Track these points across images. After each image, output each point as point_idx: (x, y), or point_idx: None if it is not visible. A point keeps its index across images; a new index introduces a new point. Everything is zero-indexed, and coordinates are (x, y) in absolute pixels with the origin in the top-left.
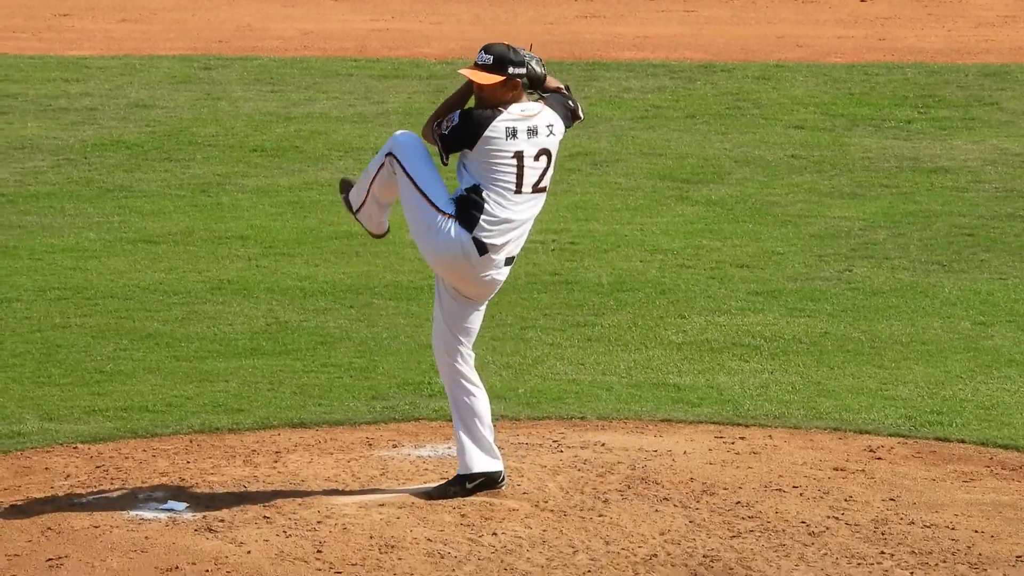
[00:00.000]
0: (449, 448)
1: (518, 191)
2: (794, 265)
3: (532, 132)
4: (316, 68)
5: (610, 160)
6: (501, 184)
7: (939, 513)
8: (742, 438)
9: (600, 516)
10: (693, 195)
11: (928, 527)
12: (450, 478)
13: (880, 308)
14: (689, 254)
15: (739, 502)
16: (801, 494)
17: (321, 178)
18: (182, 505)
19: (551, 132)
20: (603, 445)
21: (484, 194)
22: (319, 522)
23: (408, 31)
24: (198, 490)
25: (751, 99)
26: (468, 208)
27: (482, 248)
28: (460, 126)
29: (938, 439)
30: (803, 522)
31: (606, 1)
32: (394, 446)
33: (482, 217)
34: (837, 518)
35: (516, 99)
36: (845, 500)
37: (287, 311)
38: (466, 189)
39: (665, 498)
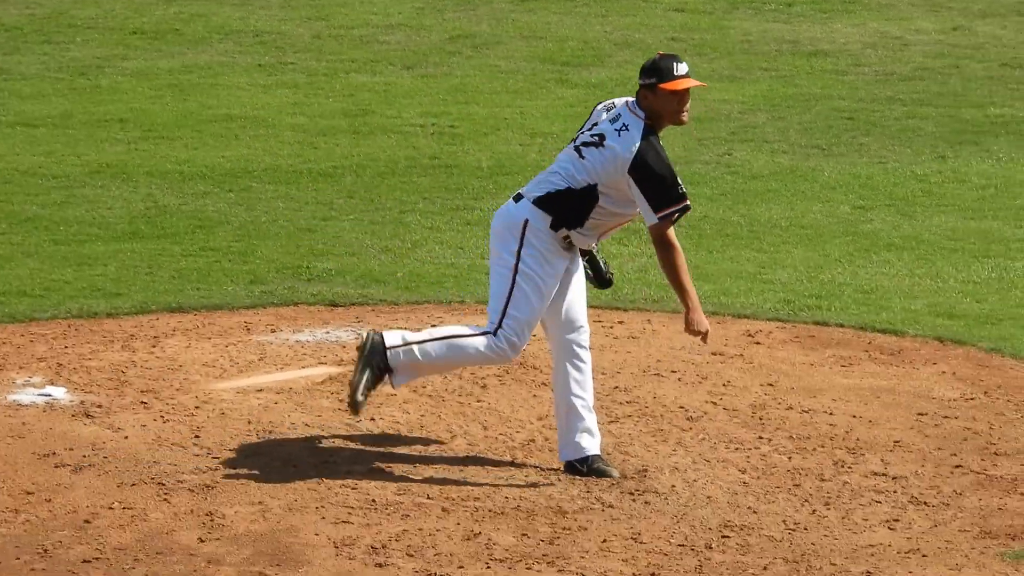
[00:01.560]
0: (327, 333)
1: None
2: (674, 149)
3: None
4: None
5: (490, 43)
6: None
7: (817, 398)
8: (620, 322)
9: (478, 401)
10: (573, 78)
11: (806, 412)
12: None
13: (759, 192)
14: (568, 137)
15: (617, 387)
16: (680, 379)
17: (200, 61)
18: (60, 390)
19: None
20: None
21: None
22: (197, 407)
23: None
24: (76, 376)
25: None
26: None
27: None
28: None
29: (816, 323)
30: (681, 407)
31: None
32: (272, 331)
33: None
34: (715, 403)
35: None
36: (723, 385)
37: (166, 195)
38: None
39: (543, 383)
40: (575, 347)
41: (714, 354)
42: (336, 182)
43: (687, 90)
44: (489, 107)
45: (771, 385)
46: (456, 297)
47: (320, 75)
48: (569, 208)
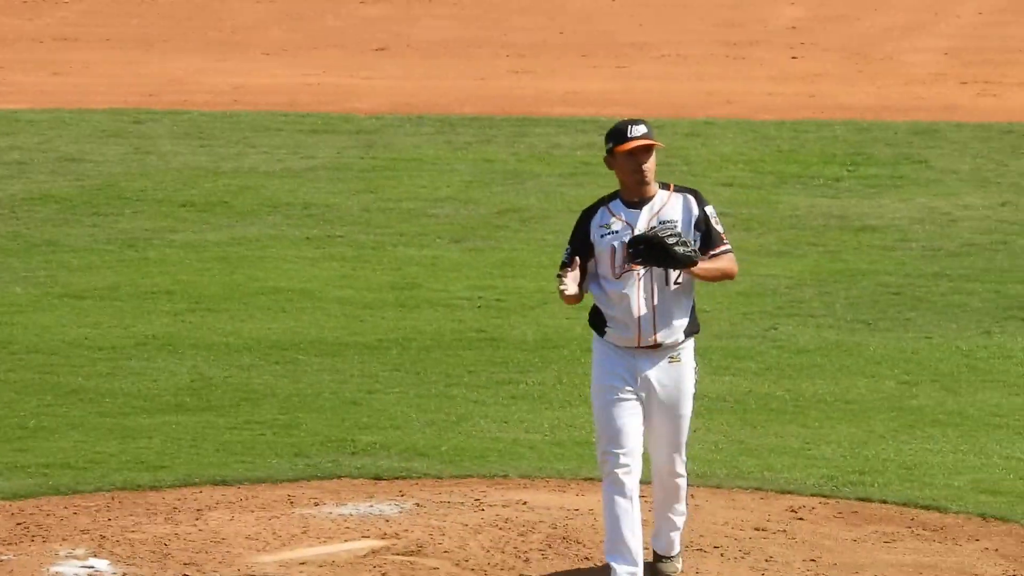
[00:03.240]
0: (370, 506)
1: None
2: (720, 323)
3: None
4: (246, 122)
5: (539, 217)
6: None
7: (860, 574)
8: None
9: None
10: None
11: None
12: None
13: (805, 366)
14: None
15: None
16: (722, 554)
17: (249, 234)
18: (103, 563)
19: None
20: (525, 504)
21: None
22: None
23: (338, 85)
24: (119, 547)
25: (681, 155)
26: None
27: None
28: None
29: (860, 499)
30: None
31: (537, 57)
32: (316, 504)
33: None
34: None
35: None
36: (766, 560)
37: (212, 367)
38: None
39: (586, 557)
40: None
41: (757, 529)
42: (382, 355)
43: (638, 149)
44: (536, 281)
45: (814, 561)
46: (500, 472)
47: (368, 248)
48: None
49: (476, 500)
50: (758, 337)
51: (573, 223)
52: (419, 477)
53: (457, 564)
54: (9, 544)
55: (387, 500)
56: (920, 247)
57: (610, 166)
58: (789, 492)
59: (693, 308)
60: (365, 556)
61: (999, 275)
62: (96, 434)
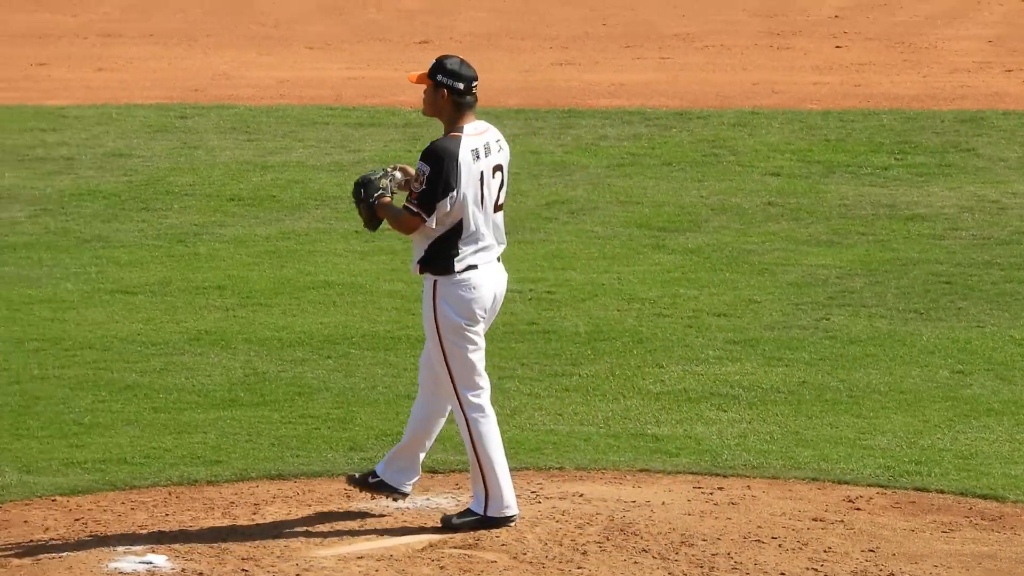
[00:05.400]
0: (427, 500)
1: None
2: (771, 313)
3: (486, 150)
4: (292, 116)
5: (587, 208)
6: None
7: (919, 564)
8: (720, 488)
9: (579, 568)
10: (670, 243)
11: None
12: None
13: (858, 357)
14: (666, 303)
15: (717, 553)
16: (780, 545)
17: (298, 227)
18: (161, 558)
19: (500, 147)
20: (581, 496)
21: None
22: (298, 575)
23: (384, 79)
24: (177, 543)
25: (727, 146)
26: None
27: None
28: (433, 172)
29: (917, 489)
30: (782, 574)
31: (581, 48)
32: (372, 498)
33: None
34: (816, 570)
35: (463, 118)
36: (824, 551)
37: (264, 362)
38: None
39: (644, 549)
40: None
41: (815, 520)
42: None
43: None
44: (586, 273)
45: (872, 551)
46: (555, 463)
47: None
48: None
49: (532, 492)
50: (810, 328)
51: (621, 215)
52: None
53: (515, 557)
54: (67, 540)
55: (443, 493)
56: (970, 236)
57: None
58: (846, 482)
59: (436, 250)
60: (423, 550)
61: None
62: (151, 430)
